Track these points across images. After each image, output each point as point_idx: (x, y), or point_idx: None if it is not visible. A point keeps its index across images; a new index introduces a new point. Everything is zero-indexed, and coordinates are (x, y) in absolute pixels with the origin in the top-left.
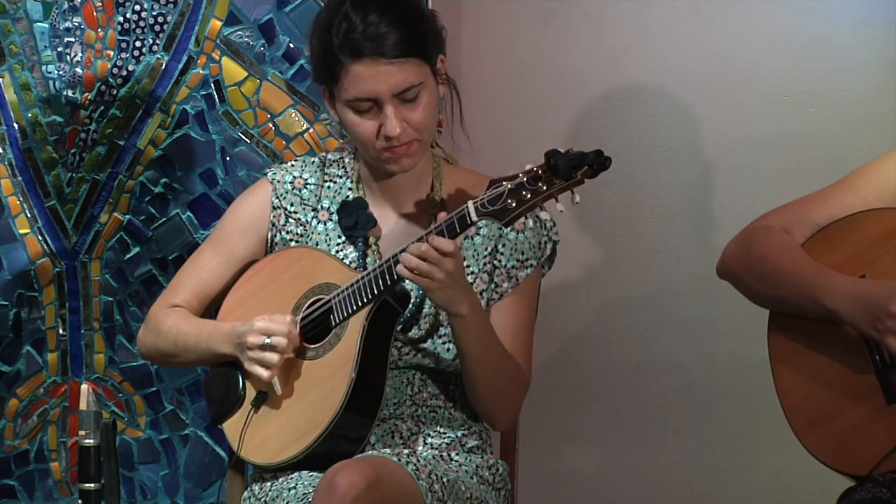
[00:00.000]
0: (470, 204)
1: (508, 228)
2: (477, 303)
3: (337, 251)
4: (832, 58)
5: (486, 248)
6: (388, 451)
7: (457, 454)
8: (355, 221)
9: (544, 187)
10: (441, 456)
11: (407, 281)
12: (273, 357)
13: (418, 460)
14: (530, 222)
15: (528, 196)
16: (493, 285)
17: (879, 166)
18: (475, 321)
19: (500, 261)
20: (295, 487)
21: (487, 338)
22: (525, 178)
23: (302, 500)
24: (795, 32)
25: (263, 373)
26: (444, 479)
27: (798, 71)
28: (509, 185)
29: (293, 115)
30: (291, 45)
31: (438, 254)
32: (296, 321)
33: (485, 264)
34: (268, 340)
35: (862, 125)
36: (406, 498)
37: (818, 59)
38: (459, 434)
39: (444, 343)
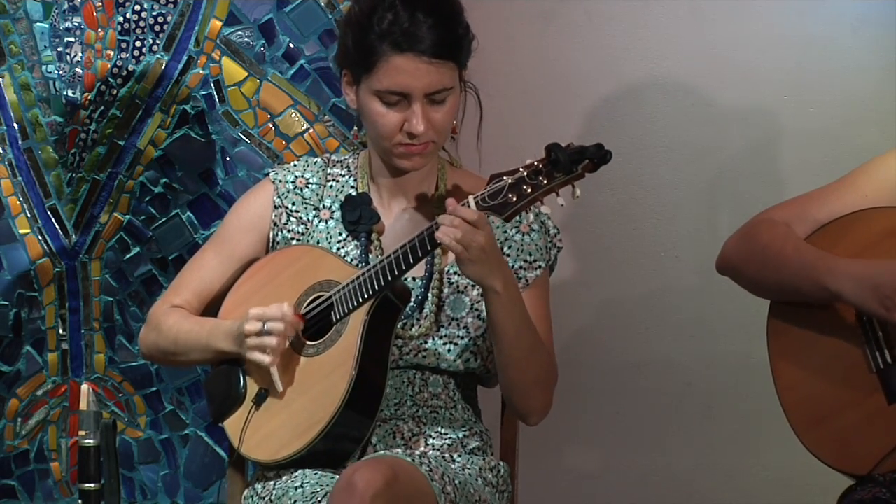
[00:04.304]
0: (471, 198)
1: (513, 231)
2: (511, 278)
3: (338, 249)
4: (832, 58)
5: None
6: (399, 451)
7: (458, 456)
8: (359, 216)
9: (545, 181)
10: (444, 457)
11: (406, 279)
12: (271, 340)
13: (430, 461)
14: (535, 225)
15: (529, 190)
16: (512, 271)
17: (880, 164)
18: (509, 298)
19: (506, 262)
20: (301, 486)
21: (522, 317)
22: (525, 173)
23: (310, 499)
24: (795, 32)
25: (264, 358)
26: (456, 481)
27: (798, 71)
28: (510, 180)
29: (293, 115)
30: (291, 45)
31: (471, 225)
32: (292, 305)
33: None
34: (265, 326)
35: (862, 125)
36: (420, 498)
37: (818, 59)
38: (461, 435)
39: (444, 343)
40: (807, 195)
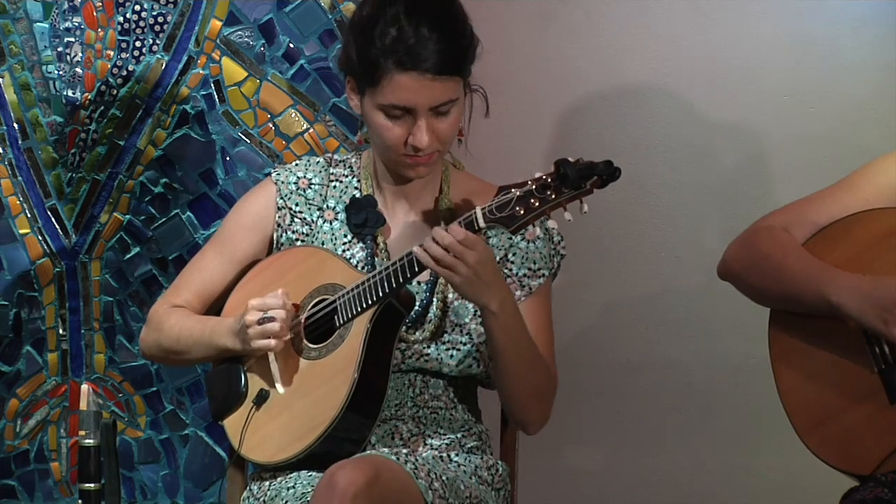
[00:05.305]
0: (478, 210)
1: (519, 238)
2: (508, 298)
3: (343, 251)
4: (832, 58)
5: (496, 257)
6: (386, 450)
7: (456, 454)
8: (365, 219)
9: (552, 196)
10: (441, 457)
11: (411, 283)
12: (274, 326)
13: (417, 459)
14: (539, 232)
15: (537, 204)
16: (510, 290)
17: (879, 166)
18: (506, 317)
19: (510, 269)
20: (294, 487)
21: (520, 334)
22: (534, 186)
23: (300, 499)
24: (795, 32)
25: (269, 343)
26: (444, 478)
27: (798, 71)
28: (518, 193)
29: (293, 115)
30: (291, 45)
31: (462, 245)
32: (288, 294)
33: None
34: (265, 314)
35: (862, 125)
36: (405, 496)
37: (818, 59)
38: (459, 435)
39: (447, 350)
40: (806, 199)
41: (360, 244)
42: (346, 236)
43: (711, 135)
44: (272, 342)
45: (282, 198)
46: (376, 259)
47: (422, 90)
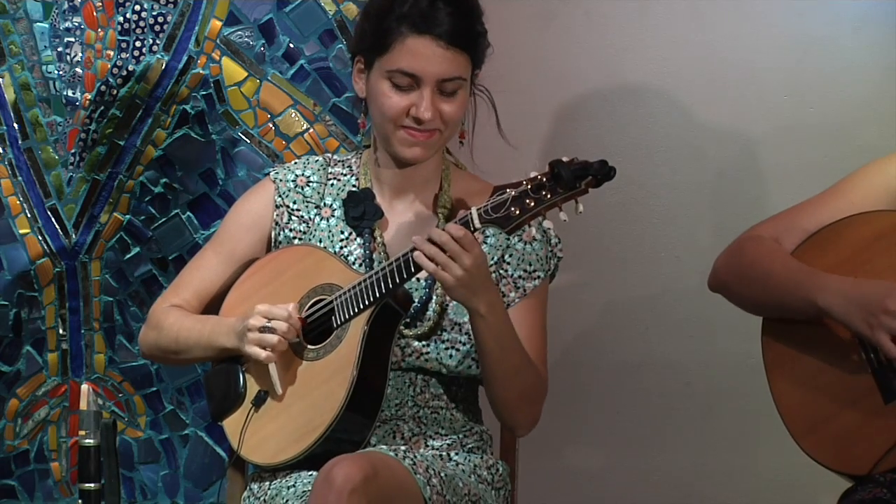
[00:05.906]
0: (473, 210)
1: (516, 239)
2: (497, 301)
3: (340, 248)
4: (832, 58)
5: (493, 258)
6: (385, 447)
7: (456, 454)
8: (363, 211)
9: (548, 196)
10: (441, 456)
11: (411, 280)
12: (272, 338)
13: (415, 456)
14: (537, 234)
15: (532, 204)
16: (500, 294)
17: (868, 170)
18: (495, 321)
19: (506, 270)
20: (294, 486)
21: (508, 339)
22: (529, 187)
23: (301, 497)
24: (795, 32)
25: (260, 353)
26: (442, 474)
27: (798, 71)
28: (513, 193)
29: (293, 115)
30: (291, 45)
31: (458, 246)
32: (298, 307)
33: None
34: (268, 323)
35: (862, 125)
36: (403, 491)
37: (818, 59)
38: (460, 435)
39: (446, 348)
40: (794, 207)
41: (358, 240)
42: (342, 232)
43: (711, 135)
44: (262, 354)
45: (280, 196)
46: (374, 255)
47: (433, 58)
